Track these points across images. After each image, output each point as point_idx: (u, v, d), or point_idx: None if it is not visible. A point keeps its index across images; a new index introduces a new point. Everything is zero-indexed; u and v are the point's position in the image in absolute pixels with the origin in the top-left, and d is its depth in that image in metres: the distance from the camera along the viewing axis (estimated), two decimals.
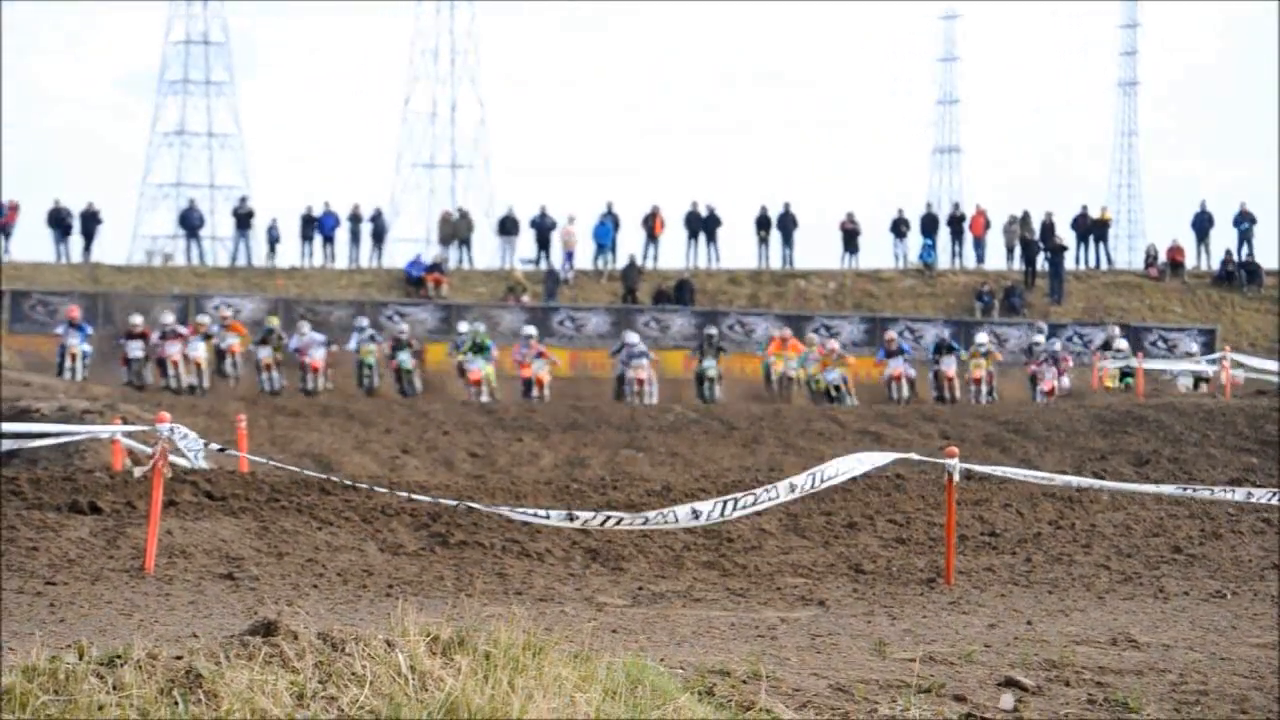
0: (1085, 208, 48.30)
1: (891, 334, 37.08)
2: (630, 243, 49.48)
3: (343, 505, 13.08)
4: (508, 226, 50.00)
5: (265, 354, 37.27)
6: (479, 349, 35.47)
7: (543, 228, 48.24)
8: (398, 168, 72.05)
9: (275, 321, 39.23)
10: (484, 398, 33.61)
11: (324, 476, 13.80)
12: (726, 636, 10.09)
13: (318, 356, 36.39)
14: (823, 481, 11.67)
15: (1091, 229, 48.00)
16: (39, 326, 45.57)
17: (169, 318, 39.14)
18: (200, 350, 37.84)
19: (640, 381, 33.70)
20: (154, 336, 37.98)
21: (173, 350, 37.53)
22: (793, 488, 11.48)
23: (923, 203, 54.22)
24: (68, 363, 37.86)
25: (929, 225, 49.95)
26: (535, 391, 34.24)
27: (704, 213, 49.01)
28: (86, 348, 38.37)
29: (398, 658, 7.15)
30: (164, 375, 37.47)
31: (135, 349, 38.11)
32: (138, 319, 39.13)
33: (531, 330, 37.41)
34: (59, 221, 51.58)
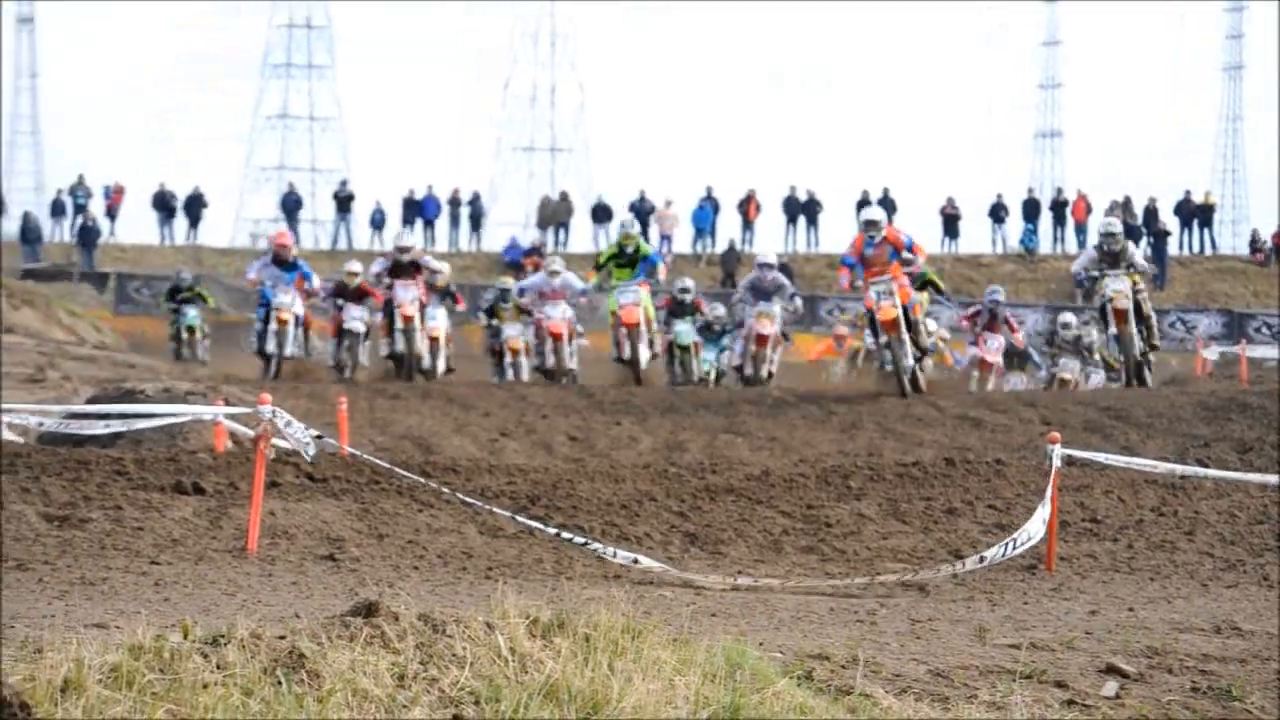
0: (1189, 192, 47.88)
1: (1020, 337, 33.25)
2: (730, 227, 49.47)
3: (441, 486, 13.14)
4: (600, 215, 50.07)
5: (513, 332, 29.80)
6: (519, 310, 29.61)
7: (641, 212, 48.26)
8: (497, 151, 72.18)
9: (509, 281, 32.93)
10: (524, 373, 29.22)
11: (382, 463, 13.88)
12: (825, 621, 10.07)
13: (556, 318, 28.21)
14: (1015, 549, 11.73)
15: (1195, 214, 47.59)
16: (143, 308, 46.01)
17: (377, 266, 28.90)
18: (440, 320, 28.84)
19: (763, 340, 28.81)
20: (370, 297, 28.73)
21: (404, 295, 27.84)
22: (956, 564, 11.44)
23: (1024, 187, 53.87)
24: (274, 331, 28.63)
25: (1030, 210, 49.65)
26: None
27: (803, 197, 48.90)
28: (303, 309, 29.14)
29: (498, 640, 7.18)
30: (398, 363, 28.11)
31: (355, 317, 28.79)
32: (356, 266, 29.74)
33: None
34: (164, 204, 52.05)
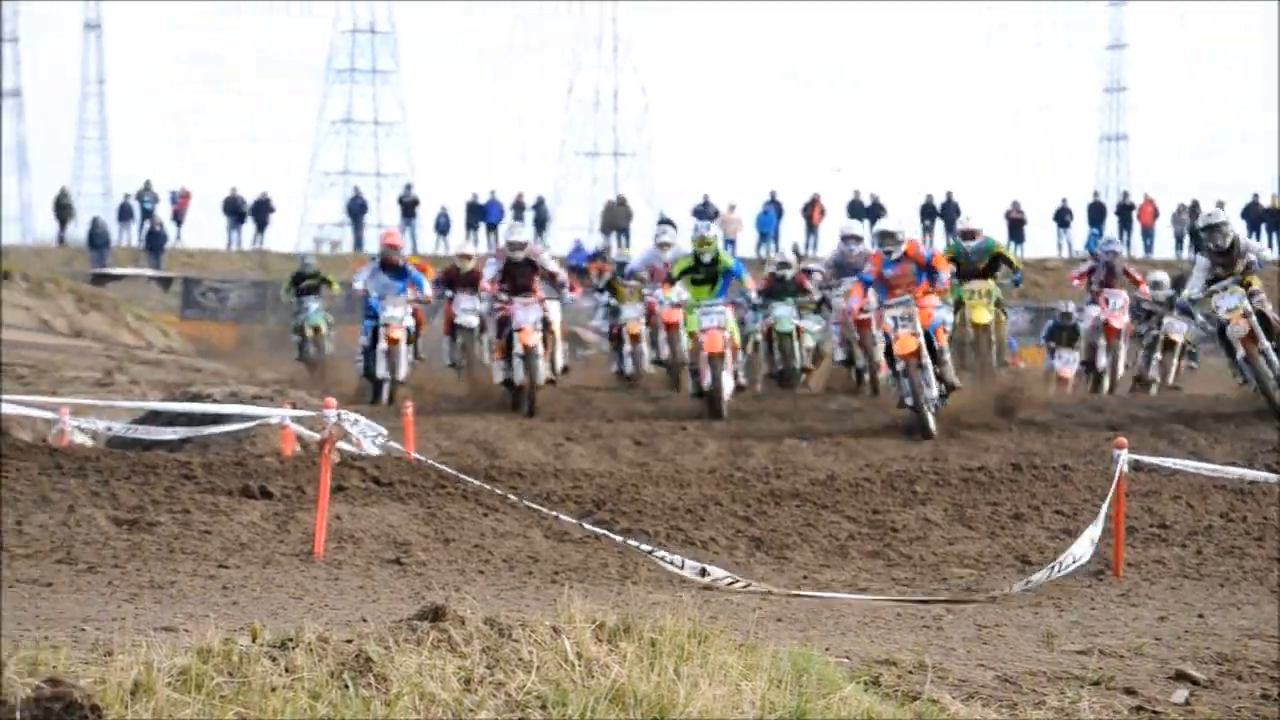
0: (1256, 196, 47.54)
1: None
2: (794, 231, 49.38)
3: (507, 492, 13.16)
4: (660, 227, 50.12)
5: (633, 314, 26.36)
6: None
7: (705, 216, 48.26)
8: (560, 156, 72.25)
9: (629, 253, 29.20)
10: (644, 362, 26.20)
11: (430, 465, 13.89)
12: (892, 626, 10.04)
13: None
14: (1060, 571, 11.61)
15: (1263, 217, 47.24)
16: (209, 313, 46.24)
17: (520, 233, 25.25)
18: (553, 314, 24.49)
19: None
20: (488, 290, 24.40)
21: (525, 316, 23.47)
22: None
23: (1089, 191, 53.63)
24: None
25: (1096, 214, 49.43)
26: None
27: (867, 201, 48.81)
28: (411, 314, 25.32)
29: (564, 644, 7.18)
30: (513, 390, 23.47)
31: (467, 309, 25.49)
32: (470, 248, 27.35)
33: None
34: (234, 209, 52.33)
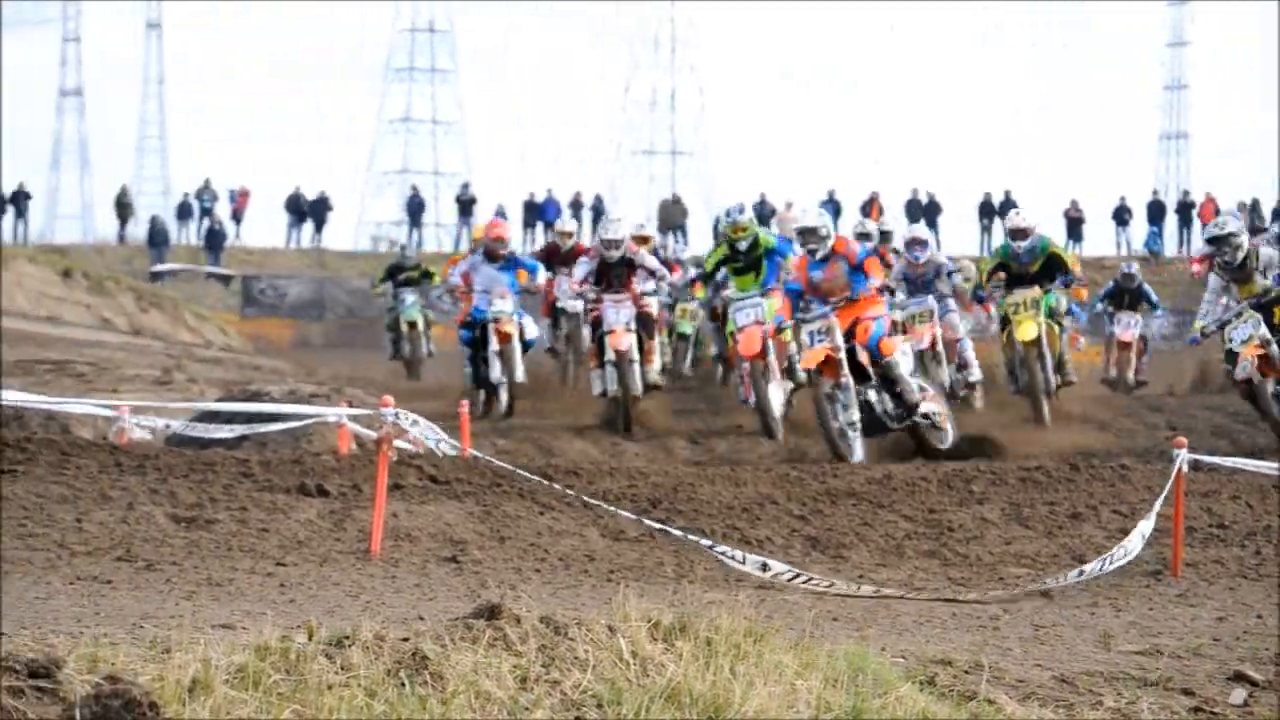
0: None
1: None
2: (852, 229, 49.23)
3: (563, 490, 13.18)
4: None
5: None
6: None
7: (761, 215, 48.21)
8: (617, 155, 72.30)
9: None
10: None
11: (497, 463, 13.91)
12: (948, 626, 10.02)
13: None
14: (1113, 562, 11.53)
15: None
16: (269, 310, 46.42)
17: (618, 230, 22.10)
18: (651, 308, 22.28)
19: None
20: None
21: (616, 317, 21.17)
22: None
23: (1148, 189, 53.39)
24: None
25: (1155, 212, 49.20)
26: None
27: (924, 199, 48.70)
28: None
29: (619, 643, 7.19)
30: (602, 368, 21.21)
31: (570, 293, 22.46)
32: (570, 224, 25.21)
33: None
34: (296, 207, 52.55)
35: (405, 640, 6.98)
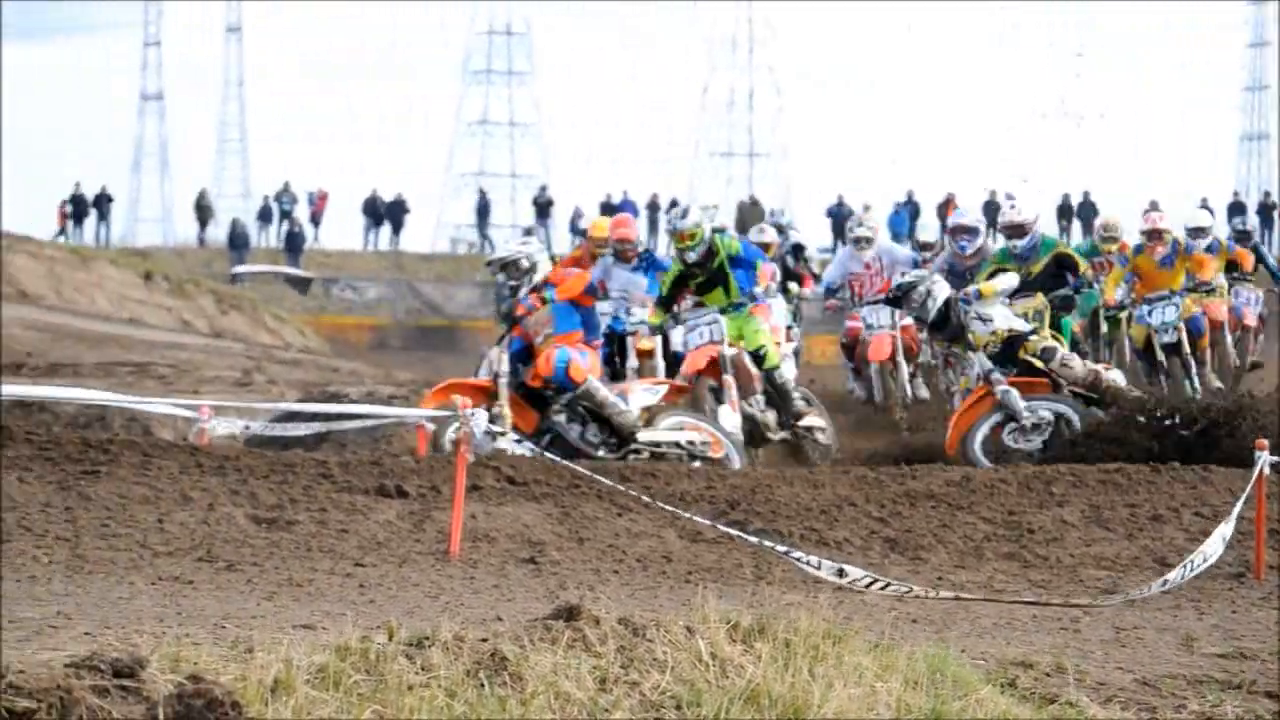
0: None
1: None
2: (929, 231, 49.05)
3: (641, 491, 13.19)
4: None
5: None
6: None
7: (839, 216, 48.10)
8: (695, 156, 72.37)
9: None
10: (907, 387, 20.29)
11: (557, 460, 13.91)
12: (1028, 629, 9.97)
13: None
14: (1194, 569, 11.34)
15: None
16: (346, 311, 46.64)
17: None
18: (778, 317, 19.54)
19: None
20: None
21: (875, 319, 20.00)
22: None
23: (1228, 190, 53.04)
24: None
25: (1237, 213, 48.84)
26: None
27: (1001, 202, 48.49)
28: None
29: (698, 644, 7.19)
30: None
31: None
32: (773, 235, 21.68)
33: None
34: (374, 210, 52.81)
35: (484, 641, 7.00)
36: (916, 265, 20.83)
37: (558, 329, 16.70)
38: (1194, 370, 20.72)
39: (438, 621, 7.30)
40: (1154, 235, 21.21)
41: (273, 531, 11.95)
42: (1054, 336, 17.33)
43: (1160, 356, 20.75)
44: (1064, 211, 48.43)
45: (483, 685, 6.68)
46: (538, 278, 16.98)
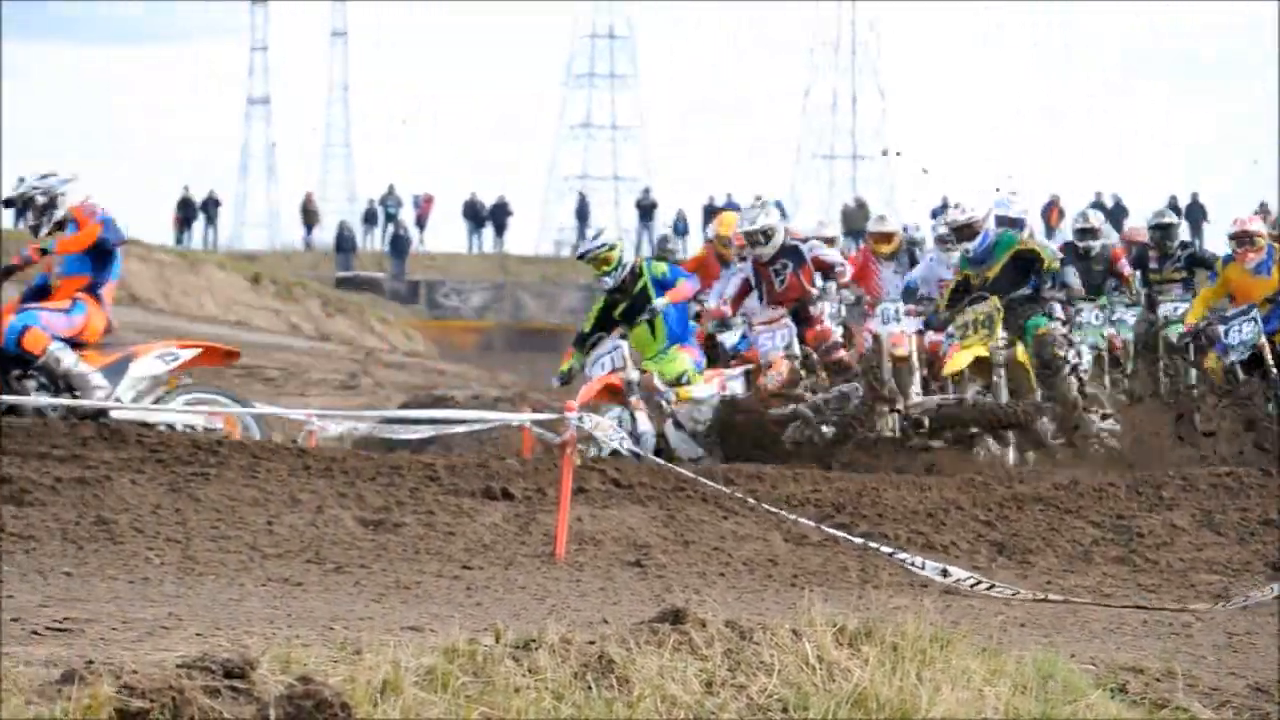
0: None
1: None
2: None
3: (747, 494, 13.18)
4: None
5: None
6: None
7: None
8: (798, 159, 72.27)
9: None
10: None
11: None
12: (1138, 633, 9.89)
13: None
14: None
15: None
16: (451, 313, 46.85)
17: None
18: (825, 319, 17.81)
19: None
20: None
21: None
22: None
23: None
24: None
25: None
26: None
27: (1109, 203, 48.12)
28: None
29: (805, 647, 7.17)
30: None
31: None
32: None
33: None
34: (474, 214, 53.02)
35: (591, 643, 7.01)
36: None
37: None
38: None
39: (544, 624, 7.31)
40: (1244, 239, 18.23)
41: (380, 534, 12.02)
42: (1013, 340, 16.20)
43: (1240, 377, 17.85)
44: (1175, 211, 48.00)
45: (589, 687, 6.69)
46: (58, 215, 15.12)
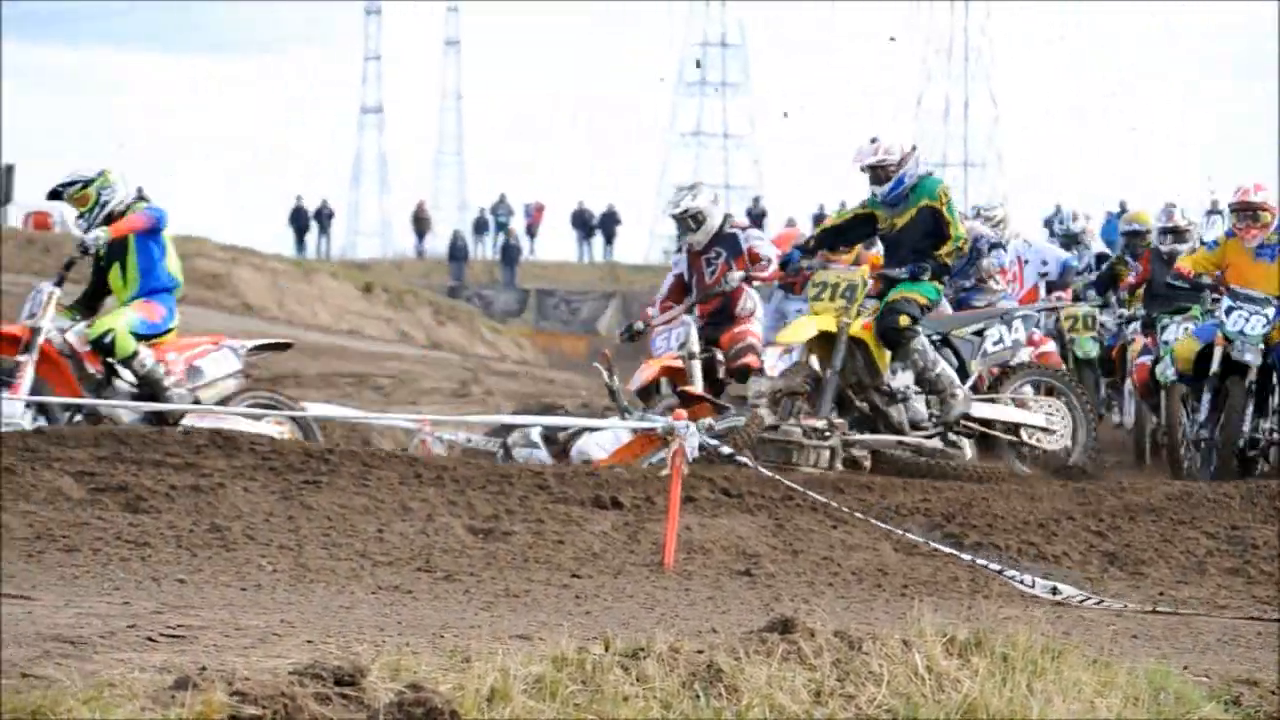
0: None
1: None
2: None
3: (856, 504, 13.13)
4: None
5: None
6: None
7: (1052, 229, 47.51)
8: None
9: None
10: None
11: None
12: (1253, 645, 9.79)
13: None
14: None
15: None
16: (561, 325, 46.98)
17: None
18: None
19: None
20: None
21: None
22: None
23: None
24: None
25: None
26: None
27: (1224, 208, 47.63)
28: None
29: (914, 657, 7.15)
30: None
31: None
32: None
33: None
34: (582, 222, 53.16)
35: (700, 652, 7.02)
36: (1067, 267, 19.53)
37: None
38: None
39: (653, 633, 7.32)
40: (1246, 211, 15.52)
41: (490, 542, 12.06)
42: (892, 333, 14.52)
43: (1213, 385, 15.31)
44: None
45: (698, 696, 6.69)
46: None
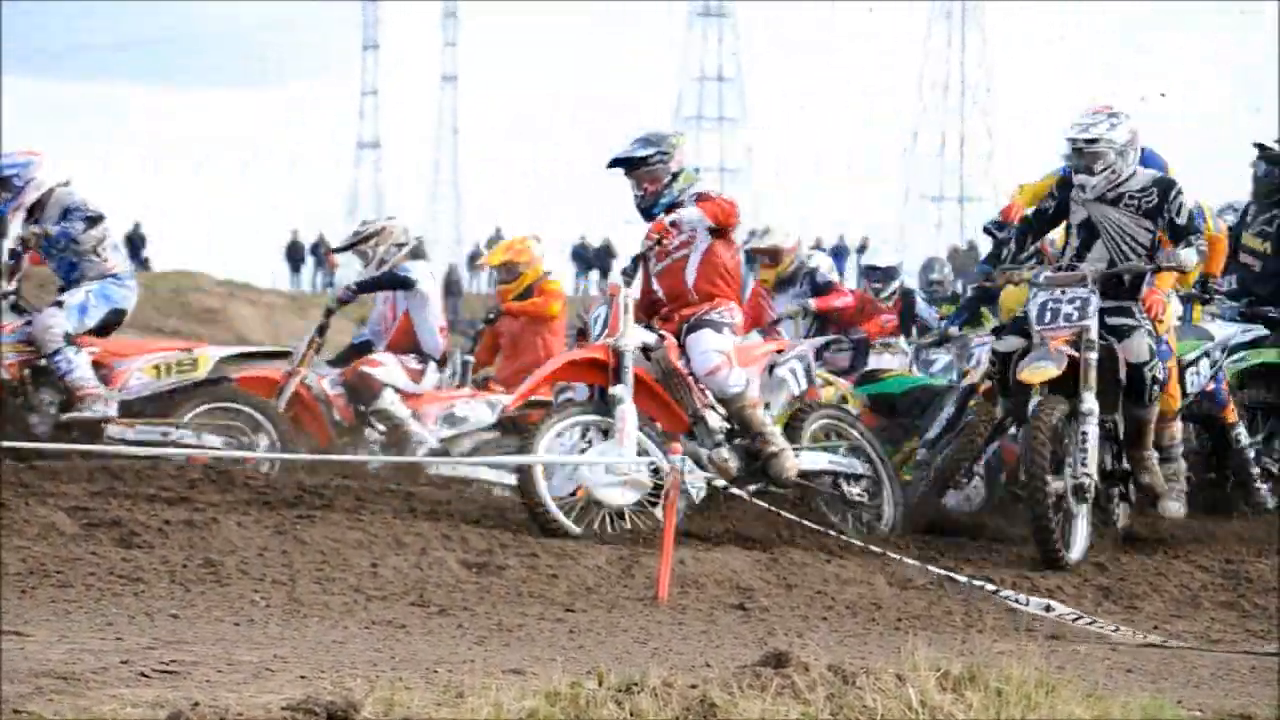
0: None
1: None
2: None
3: (849, 539, 13.12)
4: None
5: None
6: None
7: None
8: (905, 200, 72.13)
9: None
10: None
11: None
12: (1246, 680, 9.79)
13: None
14: None
15: None
16: None
17: None
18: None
19: None
20: None
21: None
22: None
23: None
24: None
25: None
26: None
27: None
28: None
29: (908, 692, 7.15)
30: None
31: None
32: None
33: None
34: (581, 256, 53.23)
35: (693, 687, 7.01)
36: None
37: None
38: None
39: (646, 667, 7.32)
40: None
41: (484, 576, 12.05)
42: None
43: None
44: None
45: None
46: None
